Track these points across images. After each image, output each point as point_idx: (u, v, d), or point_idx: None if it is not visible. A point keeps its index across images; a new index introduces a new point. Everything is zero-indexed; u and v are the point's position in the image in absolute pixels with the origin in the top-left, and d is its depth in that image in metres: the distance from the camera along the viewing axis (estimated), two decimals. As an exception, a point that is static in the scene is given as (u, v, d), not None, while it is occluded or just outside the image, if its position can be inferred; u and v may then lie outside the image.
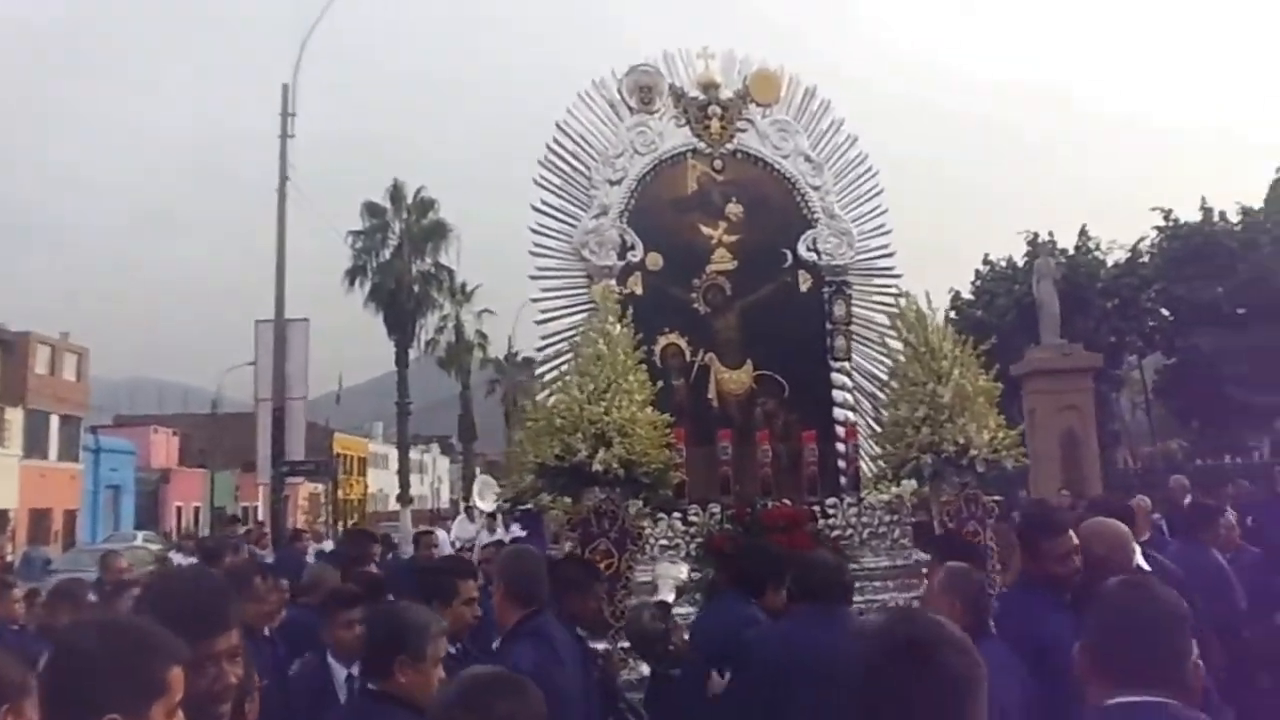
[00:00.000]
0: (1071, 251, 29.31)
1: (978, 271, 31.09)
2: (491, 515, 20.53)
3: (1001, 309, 27.59)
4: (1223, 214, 29.41)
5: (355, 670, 4.76)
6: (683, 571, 4.97)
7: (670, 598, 4.85)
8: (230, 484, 48.69)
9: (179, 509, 48.01)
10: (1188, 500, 11.78)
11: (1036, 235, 29.08)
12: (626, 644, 5.65)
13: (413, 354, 38.34)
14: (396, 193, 38.13)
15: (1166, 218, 29.81)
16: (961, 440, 6.29)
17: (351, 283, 37.61)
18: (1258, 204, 29.30)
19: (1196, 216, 29.44)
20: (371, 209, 37.73)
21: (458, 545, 17.07)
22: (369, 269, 37.81)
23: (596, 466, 5.70)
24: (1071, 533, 4.01)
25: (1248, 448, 23.07)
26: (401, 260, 37.79)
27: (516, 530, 16.69)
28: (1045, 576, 3.84)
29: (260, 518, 34.74)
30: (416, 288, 38.08)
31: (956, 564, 4.33)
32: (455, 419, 49.67)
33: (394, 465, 50.15)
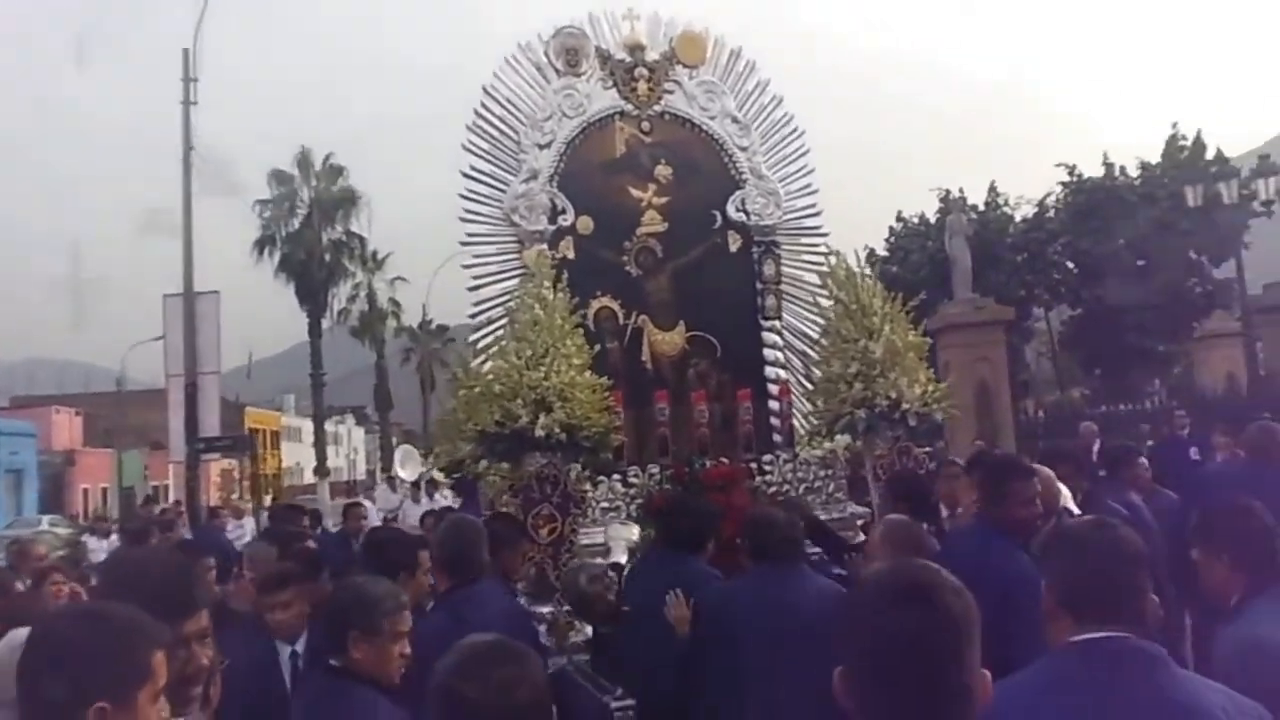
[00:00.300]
0: (982, 207, 30.03)
1: (891, 228, 31.67)
2: (415, 484, 20.40)
3: (915, 264, 28.15)
4: (1123, 169, 30.40)
5: (299, 648, 4.75)
6: (634, 533, 5.02)
7: (623, 559, 4.91)
8: (139, 464, 47.36)
9: (85, 491, 46.56)
10: (1096, 445, 12.24)
11: (948, 192, 29.71)
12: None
13: (325, 324, 37.73)
14: (304, 160, 37.24)
15: (1071, 173, 30.72)
16: (894, 395, 6.43)
17: (260, 253, 36.76)
18: (1156, 159, 30.36)
19: (1099, 172, 30.38)
20: (279, 177, 36.82)
21: (382, 516, 16.93)
22: (278, 239, 36.97)
23: (539, 432, 5.69)
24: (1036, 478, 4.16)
25: (1144, 393, 23.98)
26: (311, 229, 37.00)
27: (441, 498, 16.66)
28: (1008, 519, 3.96)
29: (173, 497, 33.90)
30: (328, 256, 37.39)
31: (896, 517, 4.45)
32: (367, 389, 49.05)
33: (308, 438, 49.43)
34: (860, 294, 6.77)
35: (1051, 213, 30.69)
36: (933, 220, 29.40)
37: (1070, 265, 30.44)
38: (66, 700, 1.73)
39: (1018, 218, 30.70)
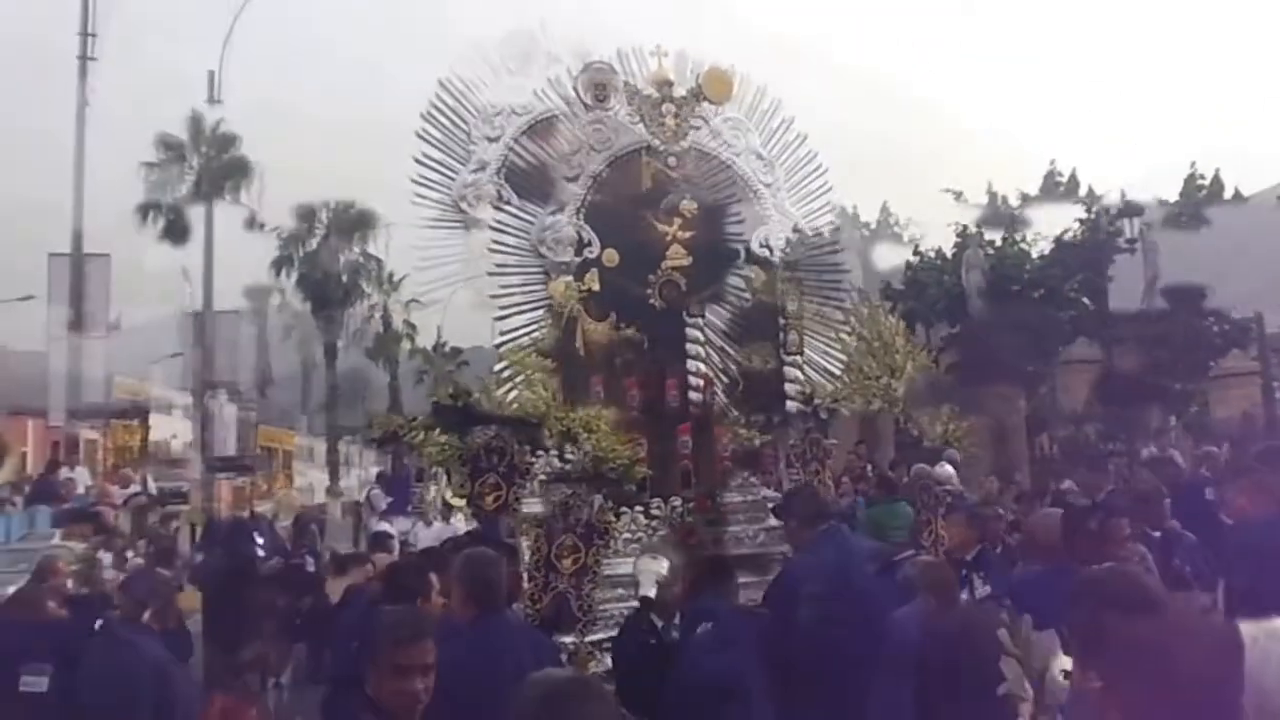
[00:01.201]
0: (999, 243, 29.95)
1: (908, 262, 31.59)
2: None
3: (932, 299, 28.09)
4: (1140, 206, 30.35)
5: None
6: (664, 566, 5.07)
7: (652, 592, 4.94)
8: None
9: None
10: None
11: (965, 227, 29.67)
12: (594, 637, 5.75)
13: (340, 344, 38.07)
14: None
15: (1089, 210, 30.65)
16: (915, 432, 6.49)
17: (278, 273, 37.17)
18: (1173, 197, 30.38)
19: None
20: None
21: (398, 540, 16.90)
22: (295, 259, 37.37)
23: (566, 463, 5.75)
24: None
25: (1156, 431, 23.84)
26: (329, 250, 37.36)
27: (454, 522, 16.68)
28: (1095, 560, 3.99)
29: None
30: (344, 278, 37.75)
31: (928, 558, 4.52)
32: (378, 410, 49.10)
33: (320, 458, 49.51)
34: (882, 331, 6.83)
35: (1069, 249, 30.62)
36: (950, 255, 29.38)
37: (1086, 301, 30.33)
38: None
39: (1035, 254, 30.62)
